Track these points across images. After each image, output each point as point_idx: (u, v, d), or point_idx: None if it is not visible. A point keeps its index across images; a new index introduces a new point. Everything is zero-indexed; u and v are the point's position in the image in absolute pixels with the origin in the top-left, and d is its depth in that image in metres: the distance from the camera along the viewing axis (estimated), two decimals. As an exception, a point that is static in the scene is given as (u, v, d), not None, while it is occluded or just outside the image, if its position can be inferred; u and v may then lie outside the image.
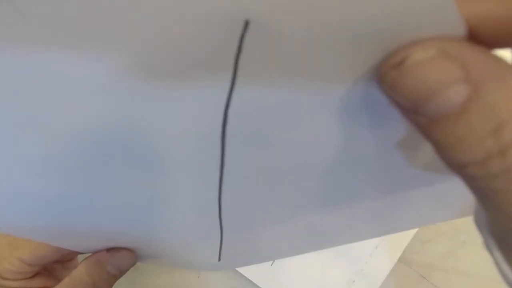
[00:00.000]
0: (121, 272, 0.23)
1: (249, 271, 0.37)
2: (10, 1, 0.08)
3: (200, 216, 0.18)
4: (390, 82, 0.10)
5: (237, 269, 0.37)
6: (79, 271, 0.23)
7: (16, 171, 0.13)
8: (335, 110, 0.12)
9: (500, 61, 0.09)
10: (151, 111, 0.12)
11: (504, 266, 0.11)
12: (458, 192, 0.17)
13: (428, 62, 0.09)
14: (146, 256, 0.24)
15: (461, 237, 0.37)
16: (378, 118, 0.13)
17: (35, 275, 0.25)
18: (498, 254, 0.11)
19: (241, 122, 0.12)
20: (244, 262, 0.27)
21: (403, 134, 0.13)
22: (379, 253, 0.37)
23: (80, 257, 0.27)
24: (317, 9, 0.09)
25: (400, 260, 0.37)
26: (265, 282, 0.37)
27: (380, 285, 0.37)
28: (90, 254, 0.23)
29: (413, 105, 0.10)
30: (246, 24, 0.09)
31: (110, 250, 0.22)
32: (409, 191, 0.17)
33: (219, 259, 0.22)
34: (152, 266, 0.39)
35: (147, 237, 0.21)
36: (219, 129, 0.12)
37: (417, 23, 0.09)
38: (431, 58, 0.09)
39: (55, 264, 0.27)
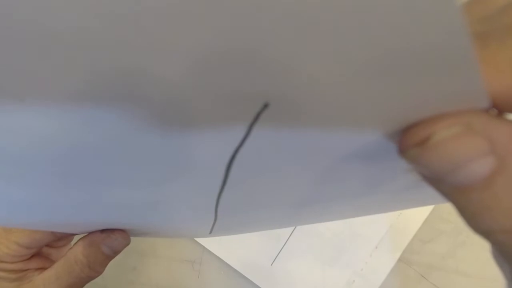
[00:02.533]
0: (115, 253, 0.24)
1: (249, 271, 0.38)
2: None
3: (196, 211, 0.18)
4: (413, 157, 0.10)
5: (237, 269, 0.38)
6: (74, 252, 0.23)
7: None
8: (344, 156, 0.13)
9: None
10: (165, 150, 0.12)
11: None
12: None
13: (453, 139, 0.09)
14: (139, 234, 0.25)
15: (461, 237, 0.37)
16: (380, 161, 0.13)
17: (32, 257, 0.25)
18: None
19: (247, 161, 0.12)
20: (234, 232, 0.27)
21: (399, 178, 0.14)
22: (379, 253, 0.37)
23: (75, 238, 0.27)
24: (338, 91, 0.09)
25: (400, 260, 0.37)
26: (265, 282, 0.37)
27: (380, 285, 0.37)
28: (85, 234, 0.24)
29: (437, 176, 0.10)
30: (265, 105, 0.10)
31: (104, 231, 0.23)
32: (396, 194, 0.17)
33: (211, 232, 0.23)
34: (152, 266, 0.39)
35: (140, 223, 0.21)
36: (224, 166, 0.12)
37: (443, 95, 0.09)
38: (457, 134, 0.09)
39: (50, 249, 0.28)
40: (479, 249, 0.36)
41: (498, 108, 0.09)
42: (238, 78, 0.09)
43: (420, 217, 0.37)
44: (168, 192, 0.15)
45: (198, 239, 0.38)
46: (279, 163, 0.13)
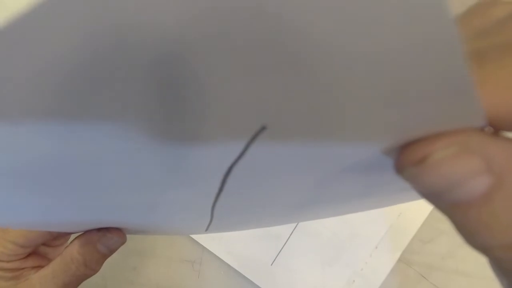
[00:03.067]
0: (111, 251, 0.24)
1: (249, 271, 0.38)
2: None
3: (192, 213, 0.18)
4: (410, 176, 0.10)
5: (237, 269, 0.38)
6: (71, 250, 0.23)
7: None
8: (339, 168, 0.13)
9: None
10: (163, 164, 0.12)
11: None
12: None
13: (449, 159, 0.09)
14: (136, 232, 0.25)
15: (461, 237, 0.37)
16: (371, 170, 0.13)
17: (28, 256, 0.25)
18: None
19: (243, 174, 0.13)
20: (230, 230, 0.28)
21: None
22: (379, 253, 0.37)
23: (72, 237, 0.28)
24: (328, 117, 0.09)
25: (400, 260, 0.37)
26: (265, 282, 0.37)
27: (380, 285, 0.37)
28: (81, 232, 0.24)
29: (433, 194, 0.10)
30: (262, 128, 0.10)
31: (100, 229, 0.23)
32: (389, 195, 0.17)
33: (206, 230, 0.23)
34: (152, 266, 0.39)
35: (137, 223, 0.21)
36: (220, 178, 0.13)
37: (440, 116, 0.09)
38: (453, 154, 0.09)
39: (47, 248, 0.28)
40: (479, 249, 0.36)
41: (494, 127, 0.10)
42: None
43: (420, 217, 0.37)
44: (166, 196, 0.15)
45: (198, 239, 0.38)
46: (276, 176, 0.13)
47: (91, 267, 0.24)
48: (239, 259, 0.38)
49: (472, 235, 0.10)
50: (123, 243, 0.24)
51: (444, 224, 0.38)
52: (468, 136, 0.09)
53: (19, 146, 0.10)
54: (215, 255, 0.38)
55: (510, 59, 0.09)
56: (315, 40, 0.07)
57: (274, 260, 0.38)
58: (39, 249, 0.27)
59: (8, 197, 0.14)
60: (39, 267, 0.25)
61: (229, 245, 0.38)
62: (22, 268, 0.25)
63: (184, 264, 0.39)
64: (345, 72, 0.08)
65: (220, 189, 0.14)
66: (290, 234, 0.38)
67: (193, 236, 0.38)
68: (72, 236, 0.25)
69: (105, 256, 0.24)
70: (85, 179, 0.13)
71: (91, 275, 0.24)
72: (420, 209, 0.38)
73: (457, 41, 0.07)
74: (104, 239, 0.23)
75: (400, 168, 0.10)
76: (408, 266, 0.37)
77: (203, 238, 0.38)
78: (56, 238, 0.27)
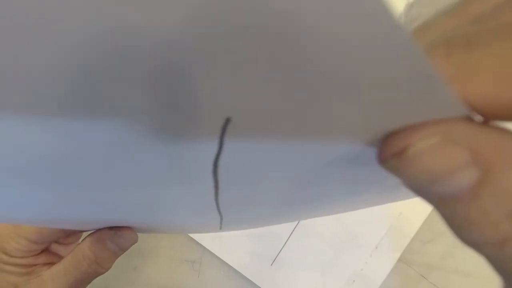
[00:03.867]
0: (122, 250, 0.24)
1: (249, 271, 0.38)
2: None
3: (201, 211, 0.18)
4: (392, 168, 0.10)
5: (237, 269, 0.38)
6: (82, 247, 0.24)
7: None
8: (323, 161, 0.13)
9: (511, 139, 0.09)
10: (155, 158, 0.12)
11: None
12: None
13: (431, 151, 0.09)
14: (148, 231, 0.25)
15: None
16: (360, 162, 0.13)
17: (41, 252, 0.26)
18: None
19: (231, 166, 0.13)
20: (242, 228, 0.28)
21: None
22: (379, 253, 0.37)
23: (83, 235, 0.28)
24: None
25: (400, 260, 0.37)
26: (265, 282, 0.37)
27: (380, 285, 0.37)
28: (93, 231, 0.24)
29: (418, 187, 0.09)
30: (227, 119, 0.10)
31: (112, 228, 0.23)
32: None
33: (221, 228, 0.23)
34: (152, 266, 0.39)
35: (148, 221, 0.21)
36: (211, 172, 0.13)
37: (418, 105, 0.09)
38: (434, 146, 0.09)
39: (58, 246, 0.28)
40: (479, 249, 0.36)
41: (483, 115, 0.09)
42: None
43: (420, 217, 0.37)
44: (171, 194, 0.15)
45: (198, 239, 0.38)
46: (262, 167, 0.13)
47: (102, 265, 0.24)
48: (239, 259, 0.38)
49: (461, 231, 0.09)
50: (134, 242, 0.24)
51: (444, 224, 0.38)
52: (452, 126, 0.09)
53: (24, 142, 0.10)
54: (215, 255, 0.38)
55: (499, 43, 0.09)
56: (298, 30, 0.07)
57: (274, 260, 0.38)
58: (51, 246, 0.27)
59: (8, 193, 0.14)
60: (51, 264, 0.25)
61: (229, 245, 0.38)
62: (35, 265, 0.25)
63: (184, 264, 0.39)
64: (324, 65, 0.08)
65: (216, 184, 0.14)
66: (290, 234, 0.38)
67: (193, 236, 0.38)
68: (84, 235, 0.26)
69: (116, 255, 0.24)
70: (85, 176, 0.13)
71: (102, 273, 0.25)
72: (420, 209, 0.38)
73: (405, 35, 0.07)
74: (115, 238, 0.23)
75: (382, 160, 0.10)
76: (408, 266, 0.37)
77: (203, 238, 0.38)
78: (68, 236, 0.28)
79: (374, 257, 0.37)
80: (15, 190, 0.14)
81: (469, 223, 0.09)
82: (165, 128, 0.10)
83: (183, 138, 0.11)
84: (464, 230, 0.09)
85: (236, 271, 0.38)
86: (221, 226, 0.22)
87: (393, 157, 0.09)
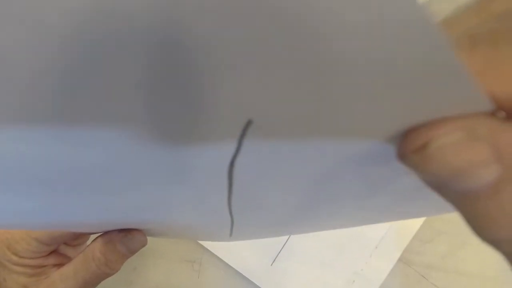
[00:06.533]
0: (132, 252, 0.24)
1: (249, 271, 0.37)
2: None
3: (212, 214, 0.18)
4: (412, 164, 0.09)
5: (237, 269, 0.38)
6: (92, 248, 0.24)
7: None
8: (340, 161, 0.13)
9: None
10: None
11: None
12: None
13: (455, 146, 0.09)
14: (157, 234, 0.25)
15: (461, 237, 0.37)
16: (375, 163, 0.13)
17: (50, 253, 0.26)
18: None
19: (247, 167, 0.13)
20: (252, 237, 0.28)
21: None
22: (379, 253, 0.37)
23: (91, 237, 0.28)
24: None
25: (400, 260, 0.37)
26: (265, 282, 0.37)
27: (380, 285, 0.37)
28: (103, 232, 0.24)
29: (438, 183, 0.09)
30: (249, 122, 0.10)
31: (122, 230, 0.23)
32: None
33: (231, 235, 0.23)
34: (152, 267, 0.39)
35: (157, 224, 0.21)
36: (226, 173, 0.13)
37: (442, 100, 0.09)
38: (457, 141, 0.09)
39: (67, 247, 0.28)
40: (479, 249, 0.36)
41: (507, 112, 0.09)
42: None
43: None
44: (182, 197, 0.15)
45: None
46: (277, 168, 0.13)
47: (111, 266, 0.24)
48: (239, 259, 0.38)
49: (480, 228, 0.09)
50: (144, 245, 0.24)
51: (444, 224, 0.38)
52: (475, 122, 0.09)
53: (25, 149, 0.10)
54: (215, 255, 0.38)
55: None
56: (318, 32, 0.07)
57: (274, 260, 0.38)
58: (60, 248, 0.28)
59: (25, 202, 0.14)
60: (60, 265, 0.26)
61: (229, 245, 0.38)
62: (44, 266, 0.25)
63: (184, 264, 0.39)
64: (347, 65, 0.08)
65: (230, 184, 0.14)
66: (290, 234, 0.38)
67: (193, 236, 0.38)
68: (92, 237, 0.26)
69: (125, 257, 0.24)
70: (97, 181, 0.13)
71: (111, 275, 0.25)
72: (420, 209, 0.38)
73: (435, 26, 0.07)
74: (126, 240, 0.23)
75: (402, 156, 0.10)
76: (408, 266, 0.37)
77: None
78: (76, 238, 0.28)
79: (374, 257, 0.37)
80: (32, 197, 0.14)
81: (488, 220, 0.09)
82: (179, 131, 0.10)
83: (198, 139, 0.11)
84: (483, 227, 0.09)
85: (236, 271, 0.38)
86: (232, 232, 0.22)
87: (413, 152, 0.09)
